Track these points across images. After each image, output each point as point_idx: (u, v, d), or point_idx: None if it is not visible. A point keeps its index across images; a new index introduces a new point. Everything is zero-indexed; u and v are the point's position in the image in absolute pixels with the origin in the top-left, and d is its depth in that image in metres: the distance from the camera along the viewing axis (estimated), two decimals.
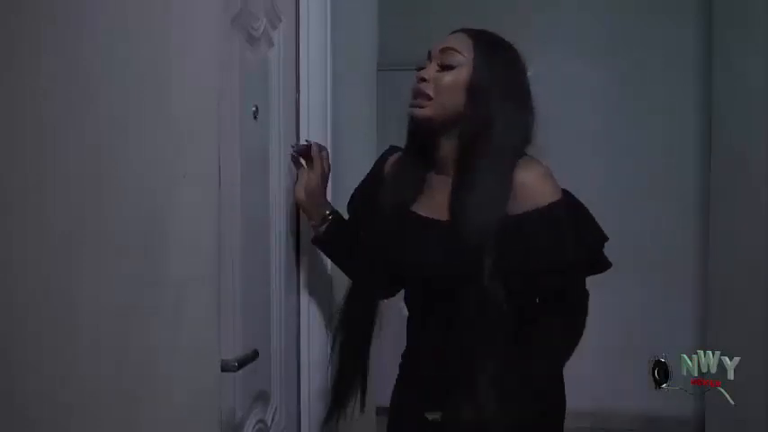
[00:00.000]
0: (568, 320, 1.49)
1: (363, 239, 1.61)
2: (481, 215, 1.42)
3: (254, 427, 1.53)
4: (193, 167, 1.10)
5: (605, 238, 1.54)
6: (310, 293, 1.81)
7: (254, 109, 1.53)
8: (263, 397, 1.60)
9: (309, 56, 1.81)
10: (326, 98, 1.84)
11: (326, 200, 1.71)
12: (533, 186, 1.44)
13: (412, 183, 1.57)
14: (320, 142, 1.74)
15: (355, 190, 1.72)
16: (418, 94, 1.49)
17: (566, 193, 1.51)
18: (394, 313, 1.72)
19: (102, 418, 0.86)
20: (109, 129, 0.86)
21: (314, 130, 1.80)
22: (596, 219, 1.57)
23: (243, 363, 1.36)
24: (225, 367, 1.29)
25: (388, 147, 1.72)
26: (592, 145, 4.23)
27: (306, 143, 1.69)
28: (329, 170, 1.70)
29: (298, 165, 1.69)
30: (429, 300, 1.57)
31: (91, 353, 0.83)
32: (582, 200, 1.58)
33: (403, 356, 1.71)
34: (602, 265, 1.56)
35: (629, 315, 4.15)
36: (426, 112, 1.48)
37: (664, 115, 4.17)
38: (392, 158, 1.67)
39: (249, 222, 1.49)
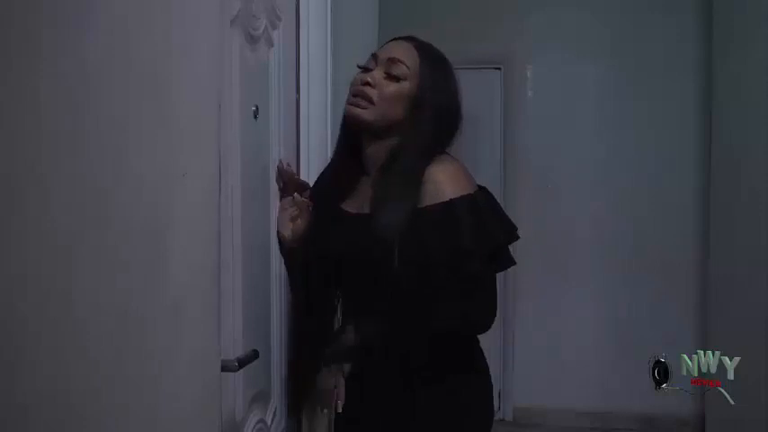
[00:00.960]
0: (461, 305, 1.50)
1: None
2: (393, 208, 1.49)
3: (254, 427, 1.53)
4: (194, 167, 1.10)
5: (513, 237, 1.57)
6: None
7: (254, 109, 1.53)
8: (263, 397, 1.60)
9: (309, 56, 1.81)
10: (326, 98, 1.84)
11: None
12: (440, 182, 1.50)
13: (340, 184, 1.64)
14: (320, 142, 1.74)
15: None
16: (361, 95, 1.55)
17: (481, 190, 1.55)
18: None
19: (103, 418, 0.87)
20: (109, 129, 0.86)
21: (313, 130, 1.81)
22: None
23: (243, 363, 1.36)
24: (225, 367, 1.29)
25: None
26: (592, 145, 4.24)
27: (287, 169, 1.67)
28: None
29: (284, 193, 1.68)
30: (355, 288, 1.62)
31: (91, 353, 0.83)
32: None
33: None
34: (505, 261, 1.58)
35: (629, 315, 4.16)
36: (365, 114, 1.54)
37: (663, 115, 4.18)
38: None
39: (249, 222, 1.49)
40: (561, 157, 4.24)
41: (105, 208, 0.84)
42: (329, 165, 1.71)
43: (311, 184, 1.73)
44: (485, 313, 1.51)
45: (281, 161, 1.65)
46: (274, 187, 1.64)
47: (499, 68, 4.26)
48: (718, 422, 3.49)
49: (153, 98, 0.96)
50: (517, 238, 1.57)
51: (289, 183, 1.66)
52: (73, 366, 0.79)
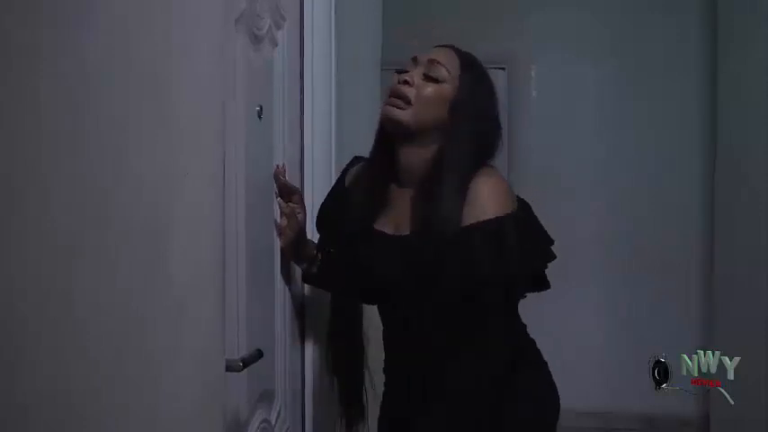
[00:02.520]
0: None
1: (332, 255, 1.64)
2: (438, 227, 1.44)
3: (258, 427, 1.53)
4: (196, 167, 1.10)
5: (551, 257, 1.53)
6: (314, 293, 1.81)
7: (258, 109, 1.53)
8: (267, 396, 1.60)
9: (314, 56, 1.81)
10: (330, 98, 1.84)
11: (310, 240, 1.71)
12: (484, 198, 1.45)
13: (375, 199, 1.58)
14: (324, 142, 1.73)
15: (321, 205, 1.72)
16: (399, 95, 1.50)
17: (522, 206, 1.51)
18: None
19: (104, 419, 0.87)
20: (111, 129, 0.86)
21: (317, 130, 1.80)
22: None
23: (247, 362, 1.36)
24: (229, 367, 1.29)
25: (351, 158, 1.73)
26: (596, 145, 4.23)
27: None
28: (304, 214, 1.68)
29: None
30: (397, 311, 1.58)
31: (92, 353, 0.83)
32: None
33: (384, 370, 1.71)
34: (541, 284, 1.57)
35: (630, 315, 4.15)
36: (403, 115, 1.49)
37: (666, 115, 4.17)
38: (354, 170, 1.68)
39: (253, 222, 1.49)
40: (565, 157, 4.23)
41: (105, 208, 0.84)
42: (360, 175, 1.64)
43: (314, 184, 1.73)
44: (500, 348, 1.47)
45: (276, 166, 1.63)
46: None
47: (503, 68, 4.26)
48: (723, 422, 3.48)
49: (154, 98, 0.96)
50: (554, 257, 1.53)
51: (282, 188, 1.64)
52: (73, 366, 0.79)
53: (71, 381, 0.78)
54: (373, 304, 1.66)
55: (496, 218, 1.42)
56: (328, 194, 1.72)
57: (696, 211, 4.09)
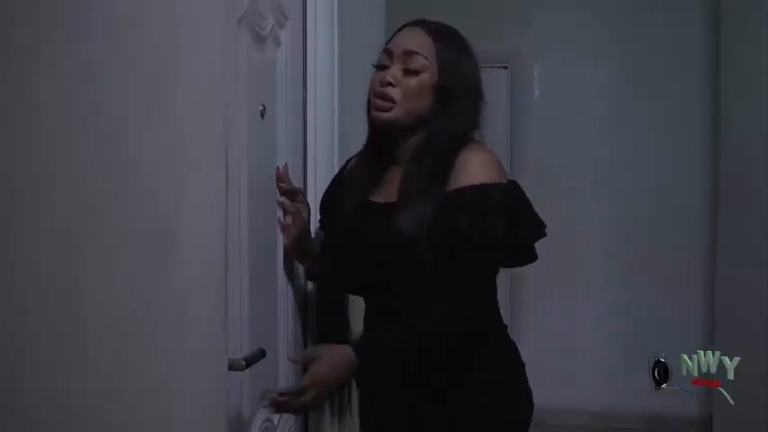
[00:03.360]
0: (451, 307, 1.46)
1: (327, 240, 1.66)
2: (422, 193, 1.47)
3: (260, 426, 1.53)
4: (198, 167, 1.10)
5: (541, 233, 1.53)
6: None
7: (261, 108, 1.53)
8: (270, 396, 1.60)
9: (317, 55, 1.81)
10: (333, 97, 1.84)
11: (313, 239, 1.71)
12: (472, 166, 1.47)
13: (370, 178, 1.61)
14: (327, 141, 1.73)
15: (324, 193, 1.74)
16: (384, 97, 1.52)
17: (512, 182, 1.53)
18: None
19: (107, 418, 0.87)
20: (112, 129, 0.86)
21: (321, 129, 1.80)
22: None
23: (250, 362, 1.36)
24: (232, 366, 1.29)
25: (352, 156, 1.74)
26: (599, 145, 4.22)
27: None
28: (309, 212, 1.68)
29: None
30: (378, 288, 1.58)
31: (95, 353, 0.83)
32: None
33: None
34: (528, 256, 1.56)
35: (631, 315, 4.15)
36: (392, 115, 1.52)
37: (667, 115, 4.16)
38: (353, 160, 1.71)
39: (256, 222, 1.49)
40: (568, 156, 4.23)
41: (106, 208, 0.85)
42: (356, 164, 1.68)
43: (316, 183, 1.73)
44: (473, 316, 1.47)
45: (278, 168, 1.63)
46: None
47: (506, 68, 4.25)
48: (726, 422, 3.47)
49: (155, 98, 0.96)
50: (545, 234, 1.53)
51: (286, 192, 1.64)
52: (74, 366, 0.79)
53: (72, 381, 0.79)
54: (362, 295, 1.66)
55: (483, 184, 1.45)
56: (331, 182, 1.75)
57: (696, 211, 4.09)
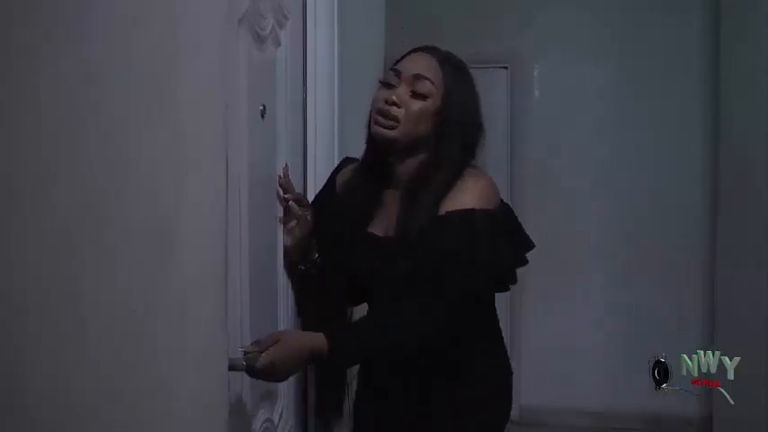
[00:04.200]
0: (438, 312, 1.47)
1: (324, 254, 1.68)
2: (422, 232, 1.49)
3: (261, 426, 1.54)
4: (198, 167, 1.10)
5: (520, 262, 1.57)
6: None
7: (261, 108, 1.53)
8: (270, 396, 1.60)
9: (317, 55, 1.81)
10: (333, 97, 1.84)
11: (313, 242, 1.71)
12: (465, 191, 1.50)
13: (368, 202, 1.62)
14: (327, 141, 1.73)
15: (312, 203, 1.73)
16: (387, 115, 1.53)
17: (504, 209, 1.56)
18: None
19: (107, 418, 0.87)
20: (112, 129, 0.86)
21: (321, 130, 1.81)
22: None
23: None
24: (232, 366, 1.29)
25: (343, 158, 1.76)
26: (594, 145, 4.23)
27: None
28: (313, 218, 1.68)
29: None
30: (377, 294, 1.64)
31: (95, 353, 0.83)
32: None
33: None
34: (509, 282, 1.60)
35: (632, 315, 4.15)
36: (393, 134, 1.54)
37: (667, 115, 4.16)
38: (346, 170, 1.70)
39: (256, 222, 1.49)
40: (568, 156, 4.23)
41: (106, 208, 0.84)
42: (352, 179, 1.68)
43: (316, 184, 1.74)
44: (436, 331, 1.47)
45: (279, 176, 1.64)
46: None
47: (506, 68, 4.25)
48: (726, 422, 3.47)
49: (155, 98, 0.96)
50: (525, 262, 1.56)
51: (295, 200, 1.65)
52: (74, 367, 0.79)
53: (72, 381, 0.78)
54: (360, 304, 1.72)
55: (470, 209, 1.47)
56: (318, 193, 1.76)
57: (696, 211, 4.09)
